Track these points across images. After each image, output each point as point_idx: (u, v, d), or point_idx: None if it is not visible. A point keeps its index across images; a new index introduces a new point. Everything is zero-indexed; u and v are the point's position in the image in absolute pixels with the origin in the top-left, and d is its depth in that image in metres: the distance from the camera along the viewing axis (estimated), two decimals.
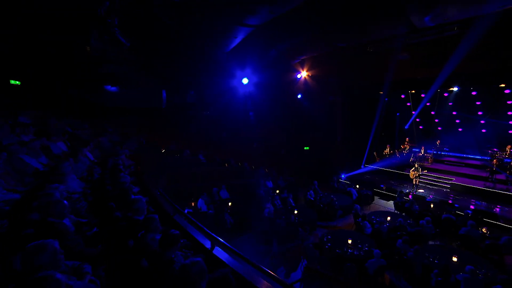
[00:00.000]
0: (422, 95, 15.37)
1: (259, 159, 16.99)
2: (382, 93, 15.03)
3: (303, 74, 15.28)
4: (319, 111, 16.80)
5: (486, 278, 5.51)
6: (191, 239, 3.24)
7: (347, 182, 13.97)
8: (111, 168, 5.48)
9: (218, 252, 2.91)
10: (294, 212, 9.28)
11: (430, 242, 7.64)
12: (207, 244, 3.09)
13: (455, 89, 13.88)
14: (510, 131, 14.22)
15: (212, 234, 3.06)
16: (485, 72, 10.02)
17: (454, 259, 6.14)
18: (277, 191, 11.87)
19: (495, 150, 13.30)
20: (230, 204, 10.33)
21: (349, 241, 6.95)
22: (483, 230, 7.67)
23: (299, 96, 17.12)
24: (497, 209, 10.15)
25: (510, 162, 12.16)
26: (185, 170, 12.94)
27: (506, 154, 12.78)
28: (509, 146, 12.95)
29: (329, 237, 7.40)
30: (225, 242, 2.92)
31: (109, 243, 2.51)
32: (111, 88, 9.32)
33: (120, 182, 4.12)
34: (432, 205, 9.59)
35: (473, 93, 14.07)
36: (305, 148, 18.23)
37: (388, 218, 8.30)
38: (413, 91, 15.15)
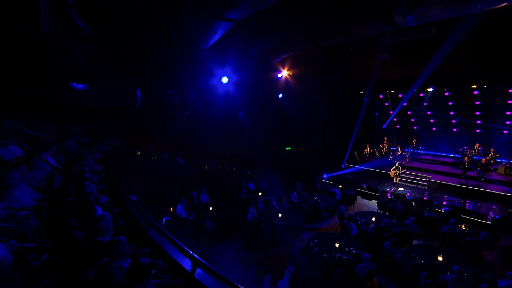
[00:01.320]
0: (400, 95, 15.79)
1: (240, 160, 16.59)
2: (362, 93, 15.23)
3: (284, 73, 15.10)
4: (300, 110, 16.71)
5: (472, 277, 5.52)
6: (168, 260, 2.77)
7: (329, 182, 13.95)
8: (75, 175, 4.81)
9: (200, 276, 2.48)
10: (279, 215, 8.98)
11: (414, 241, 7.68)
12: (187, 265, 2.65)
13: (430, 89, 14.37)
14: (478, 130, 14.99)
15: (193, 254, 2.61)
16: (459, 73, 10.36)
17: (440, 258, 6.14)
18: (260, 193, 11.54)
19: (466, 148, 13.97)
20: (211, 209, 9.84)
21: (336, 245, 6.75)
22: (462, 227, 7.83)
23: (280, 95, 16.92)
24: (470, 205, 10.56)
25: (480, 160, 12.78)
26: (163, 173, 12.25)
27: (475, 152, 13.44)
28: (477, 144, 13.64)
29: (315, 241, 7.16)
30: (208, 265, 2.48)
31: (62, 275, 1.99)
32: (78, 86, 8.44)
33: (84, 193, 3.53)
34: (414, 204, 9.73)
35: (446, 93, 14.67)
36: (287, 148, 18.08)
37: (373, 219, 8.25)
38: (392, 91, 15.52)
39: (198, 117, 17.39)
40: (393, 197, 10.75)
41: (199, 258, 2.52)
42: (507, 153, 13.58)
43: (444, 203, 10.62)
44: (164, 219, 7.88)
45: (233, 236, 8.92)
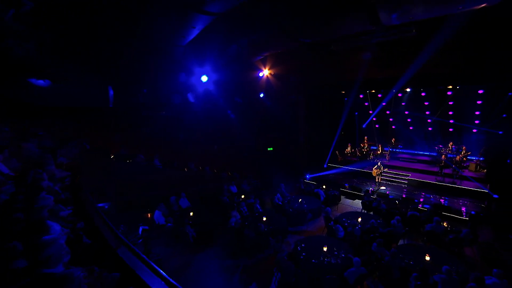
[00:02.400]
0: (379, 95, 16.09)
1: (221, 162, 16.09)
2: (344, 92, 15.29)
3: (265, 72, 14.83)
4: (282, 110, 16.51)
5: (459, 275, 5.49)
6: (142, 286, 2.30)
7: (312, 182, 13.84)
8: (30, 185, 4.12)
9: None
10: (263, 219, 8.62)
11: (400, 241, 7.64)
12: None
13: (409, 89, 14.73)
14: (451, 129, 15.66)
15: (172, 281, 2.17)
16: (439, 74, 10.62)
17: (427, 258, 6.09)
18: (242, 196, 11.15)
19: (441, 146, 14.51)
20: (191, 214, 9.30)
21: (325, 249, 6.51)
22: (444, 224, 7.92)
23: (261, 95, 16.61)
24: (447, 201, 10.87)
25: (454, 157, 13.28)
26: (139, 178, 11.48)
27: (449, 150, 13.98)
28: (451, 143, 14.20)
29: (302, 245, 6.87)
30: None
31: None
32: (38, 82, 7.52)
33: (36, 207, 2.93)
34: (396, 202, 9.81)
35: (423, 94, 15.14)
36: (269, 149, 17.80)
37: (359, 220, 8.14)
38: (373, 91, 15.73)
39: (177, 118, 16.62)
40: (376, 196, 10.80)
41: (178, 286, 2.08)
42: (477, 151, 14.31)
43: (421, 200, 10.84)
44: (140, 228, 7.24)
45: (215, 243, 8.45)
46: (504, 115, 13.23)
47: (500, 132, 13.32)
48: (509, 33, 8.38)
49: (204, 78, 13.82)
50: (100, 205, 8.92)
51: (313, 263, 6.09)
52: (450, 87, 12.63)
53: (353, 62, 11.44)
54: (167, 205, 9.97)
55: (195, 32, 8.94)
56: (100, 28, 6.71)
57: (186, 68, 13.25)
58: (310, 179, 14.60)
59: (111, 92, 11.57)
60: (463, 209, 10.09)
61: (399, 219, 7.45)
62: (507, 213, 9.42)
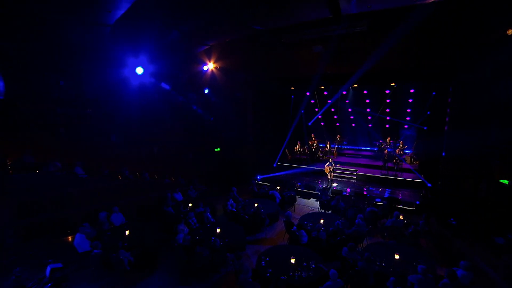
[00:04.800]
0: (325, 93, 16.32)
1: (163, 166, 14.13)
2: (293, 88, 14.94)
3: (210, 66, 13.53)
4: (230, 107, 15.40)
5: (433, 273, 5.27)
6: None
7: (265, 183, 13.10)
8: None
9: None
10: (217, 231, 7.35)
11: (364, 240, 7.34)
12: None
13: (355, 86, 15.22)
14: (387, 126, 16.88)
15: None
16: (384, 71, 10.94)
17: (397, 256, 5.80)
18: (190, 205, 9.63)
19: (381, 141, 15.46)
20: (127, 233, 7.45)
21: (292, 260, 5.66)
22: (401, 217, 7.95)
23: (206, 91, 15.17)
24: (391, 193, 11.37)
25: (394, 151, 14.21)
26: (52, 192, 8.97)
27: (388, 145, 14.98)
28: (389, 138, 15.24)
29: (267, 259, 5.89)
30: None
31: None
32: None
33: None
34: (352, 198, 9.70)
35: (364, 92, 15.91)
36: (216, 149, 16.46)
37: (322, 221, 7.57)
38: (322, 87, 15.81)
39: (106, 116, 13.94)
40: (331, 193, 10.60)
41: None
42: (411, 145, 15.73)
43: (367, 194, 11.06)
44: (48, 268, 5.17)
45: (160, 267, 6.86)
46: (428, 112, 14.75)
47: (425, 128, 14.83)
48: (440, 37, 9.02)
49: (140, 70, 11.73)
50: None
51: (283, 281, 5.15)
52: (393, 84, 13.38)
53: (304, 57, 11.06)
54: (94, 224, 7.86)
55: (124, 6, 7.15)
56: None
57: (117, 57, 11.03)
58: (261, 180, 13.84)
59: (2, 82, 8.67)
60: (409, 199, 10.58)
61: (362, 217, 7.13)
62: (440, 199, 10.22)
